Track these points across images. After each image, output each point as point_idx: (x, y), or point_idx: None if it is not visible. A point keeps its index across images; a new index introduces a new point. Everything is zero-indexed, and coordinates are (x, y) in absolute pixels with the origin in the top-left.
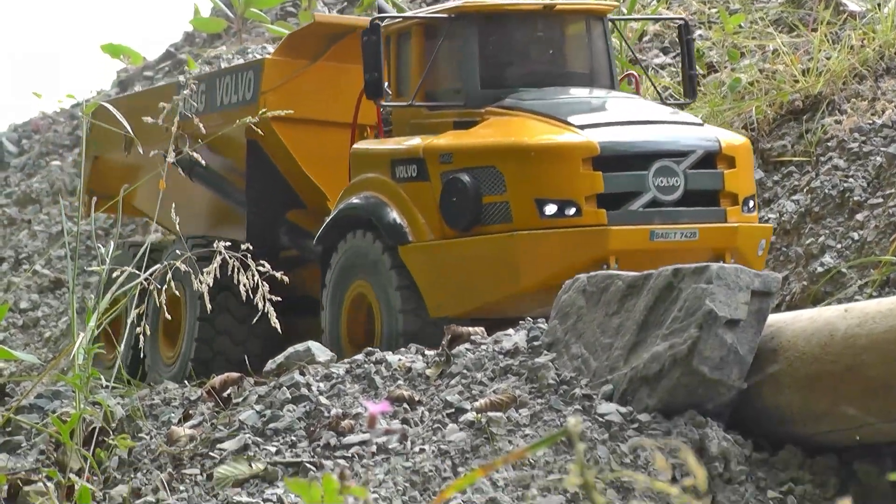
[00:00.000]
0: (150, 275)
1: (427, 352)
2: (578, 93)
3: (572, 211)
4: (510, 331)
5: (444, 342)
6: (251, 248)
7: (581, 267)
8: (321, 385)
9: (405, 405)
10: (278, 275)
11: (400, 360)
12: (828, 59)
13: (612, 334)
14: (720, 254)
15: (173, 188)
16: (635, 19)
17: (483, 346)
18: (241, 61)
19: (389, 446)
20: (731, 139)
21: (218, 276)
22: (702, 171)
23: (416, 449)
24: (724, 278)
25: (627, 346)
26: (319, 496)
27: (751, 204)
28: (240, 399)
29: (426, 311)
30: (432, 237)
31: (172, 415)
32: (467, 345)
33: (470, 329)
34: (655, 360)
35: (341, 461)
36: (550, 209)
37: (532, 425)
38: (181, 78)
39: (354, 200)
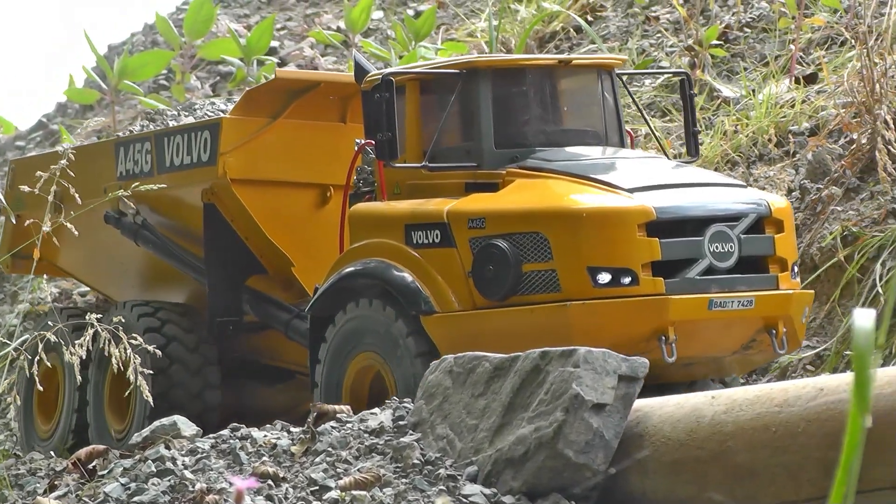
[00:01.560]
0: (22, 346)
1: (292, 428)
2: (597, 152)
3: (628, 280)
4: (376, 410)
5: (309, 419)
6: (218, 318)
7: (638, 339)
8: (186, 459)
9: (270, 482)
10: (150, 348)
11: (265, 436)
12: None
13: (478, 416)
14: (773, 323)
15: (113, 251)
16: (637, 74)
17: (349, 425)
18: (187, 118)
19: None
20: (778, 202)
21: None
22: (754, 235)
23: None
24: (592, 362)
25: (493, 427)
26: None
27: (795, 269)
28: (105, 471)
29: None
30: (460, 307)
31: (38, 485)
32: (333, 423)
33: (336, 407)
34: (521, 443)
35: None
36: (604, 278)
37: None
38: (118, 135)
39: (360, 266)
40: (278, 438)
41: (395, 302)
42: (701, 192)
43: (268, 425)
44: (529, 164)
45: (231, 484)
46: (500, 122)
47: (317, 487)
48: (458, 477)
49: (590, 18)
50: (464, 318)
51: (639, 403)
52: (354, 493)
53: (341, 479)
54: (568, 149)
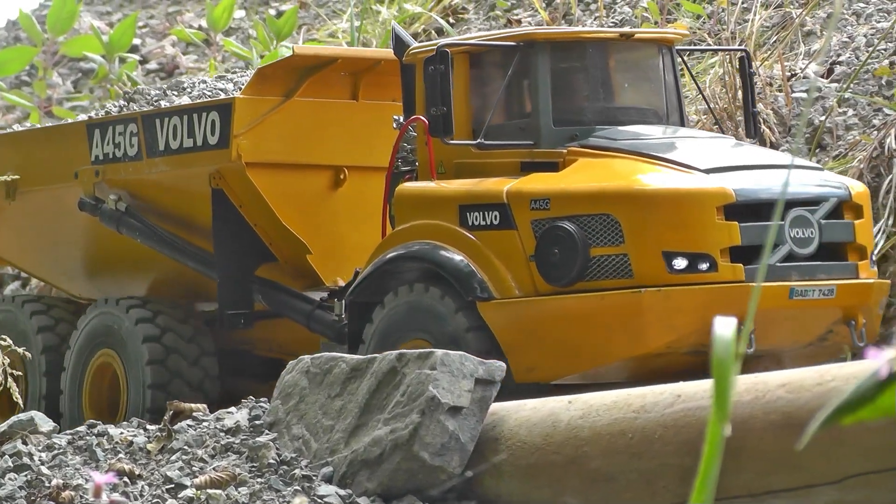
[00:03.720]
0: None
1: (149, 426)
2: (660, 131)
3: (706, 266)
4: (232, 409)
5: (165, 417)
6: (228, 310)
7: None
8: (43, 455)
9: (126, 479)
10: (20, 350)
11: (122, 433)
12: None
13: (334, 416)
14: (853, 313)
15: (71, 239)
16: (694, 50)
17: (205, 423)
18: (179, 98)
19: None
20: (857, 186)
21: None
22: (834, 221)
23: None
24: (449, 365)
25: (349, 428)
26: None
27: (873, 258)
28: None
29: (510, 374)
30: (520, 293)
31: None
32: (189, 421)
33: (192, 405)
34: (376, 444)
35: None
36: (681, 263)
37: None
38: (90, 115)
39: (410, 249)
40: (134, 436)
41: (448, 287)
42: (778, 175)
43: (124, 422)
44: (592, 143)
45: (87, 480)
46: (558, 99)
47: (172, 485)
48: (314, 477)
49: (451, 20)
50: (525, 305)
51: (495, 407)
52: (210, 491)
53: (197, 477)
54: (630, 127)
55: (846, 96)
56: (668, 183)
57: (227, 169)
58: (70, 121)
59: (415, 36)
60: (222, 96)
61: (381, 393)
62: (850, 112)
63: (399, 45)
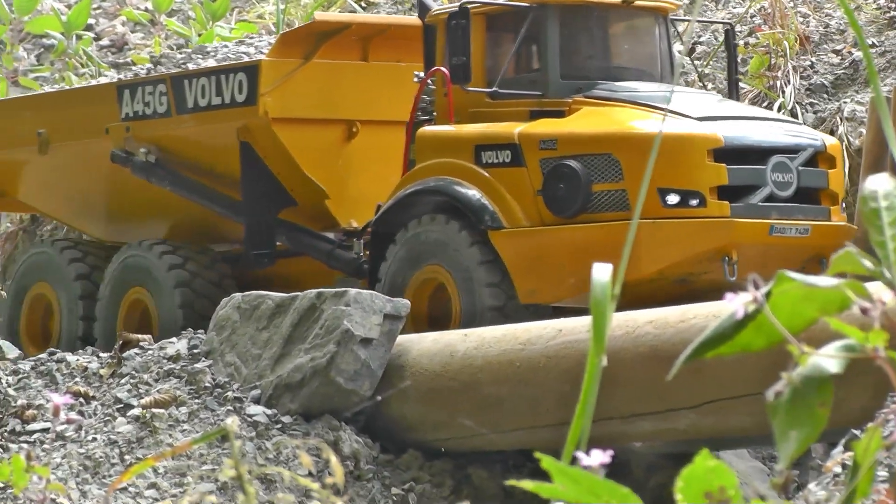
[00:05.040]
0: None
1: (101, 354)
2: (656, 87)
3: (696, 202)
4: (173, 339)
5: (116, 346)
6: (254, 251)
7: (703, 258)
8: (9, 379)
9: (81, 399)
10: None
11: (78, 360)
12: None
13: (262, 346)
14: (824, 252)
15: (99, 189)
16: (683, 20)
17: (150, 351)
18: (204, 62)
19: (66, 434)
20: (831, 140)
21: None
22: (811, 168)
23: (90, 438)
24: (361, 302)
25: (274, 357)
26: (8, 474)
27: (843, 205)
28: None
29: (513, 287)
30: (528, 223)
31: None
32: (137, 349)
33: (139, 336)
34: (298, 371)
35: (25, 445)
36: (673, 199)
37: (190, 422)
38: (119, 77)
39: (428, 184)
40: (89, 362)
41: (459, 215)
42: (763, 125)
43: (80, 350)
44: (595, 94)
45: (48, 401)
46: (565, 55)
47: (122, 405)
48: (244, 399)
49: (363, 5)
50: (532, 234)
51: (401, 339)
52: (154, 410)
53: (143, 398)
54: (628, 83)
55: (706, 72)
56: (664, 127)
57: (254, 124)
58: (95, 83)
59: None
60: (245, 59)
61: (303, 326)
62: (710, 86)
63: (422, 8)
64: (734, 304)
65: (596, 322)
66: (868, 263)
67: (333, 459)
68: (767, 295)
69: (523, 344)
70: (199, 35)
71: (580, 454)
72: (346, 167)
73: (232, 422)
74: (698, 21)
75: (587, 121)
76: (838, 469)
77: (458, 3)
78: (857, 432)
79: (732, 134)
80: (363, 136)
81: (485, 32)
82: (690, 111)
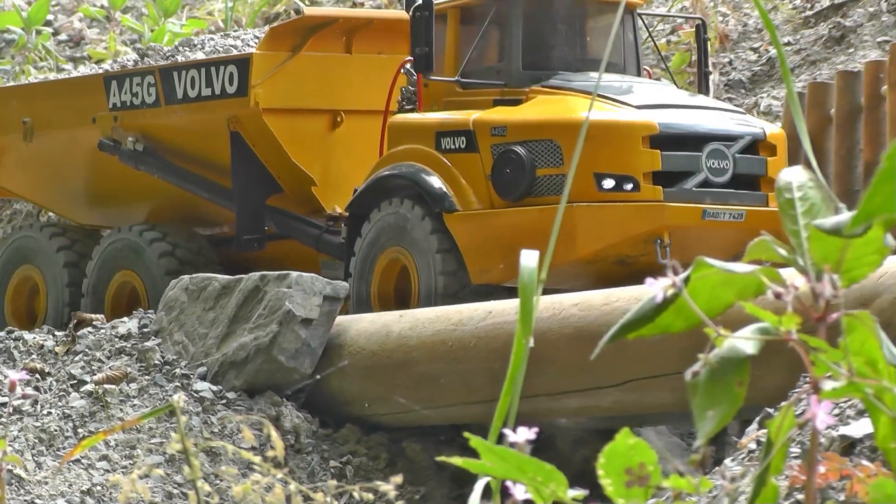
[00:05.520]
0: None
1: (56, 332)
2: (616, 78)
3: (630, 186)
4: (125, 318)
5: (70, 325)
6: (244, 236)
7: (636, 240)
8: None
9: (37, 375)
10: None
11: (34, 338)
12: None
13: (208, 326)
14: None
15: (82, 175)
16: (655, 16)
17: (102, 330)
18: (192, 54)
19: (23, 408)
20: (772, 129)
21: None
22: (748, 156)
23: (45, 412)
24: (302, 284)
25: (220, 336)
26: None
27: None
28: None
29: (467, 276)
30: (479, 206)
31: None
32: (90, 328)
33: (93, 315)
34: (242, 349)
35: None
36: (608, 183)
37: (140, 397)
38: (105, 68)
39: (394, 170)
40: (45, 340)
41: (422, 201)
42: (702, 113)
43: (36, 329)
44: (551, 84)
45: (5, 377)
46: (527, 47)
47: (75, 381)
48: (191, 376)
49: (307, 2)
50: (482, 217)
51: (339, 319)
52: (106, 386)
53: (95, 374)
54: (585, 73)
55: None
56: (602, 115)
57: (245, 114)
58: (78, 73)
59: (276, 16)
60: (233, 52)
61: (247, 307)
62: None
63: (409, 2)
64: (654, 289)
65: (523, 305)
66: (782, 251)
67: (274, 434)
68: (686, 280)
69: (455, 325)
70: (152, 31)
71: (507, 431)
72: (331, 155)
73: (178, 398)
74: (668, 16)
75: (536, 109)
76: (753, 445)
77: None
78: (770, 410)
79: (668, 121)
80: (347, 124)
81: (457, 26)
82: (632, 100)
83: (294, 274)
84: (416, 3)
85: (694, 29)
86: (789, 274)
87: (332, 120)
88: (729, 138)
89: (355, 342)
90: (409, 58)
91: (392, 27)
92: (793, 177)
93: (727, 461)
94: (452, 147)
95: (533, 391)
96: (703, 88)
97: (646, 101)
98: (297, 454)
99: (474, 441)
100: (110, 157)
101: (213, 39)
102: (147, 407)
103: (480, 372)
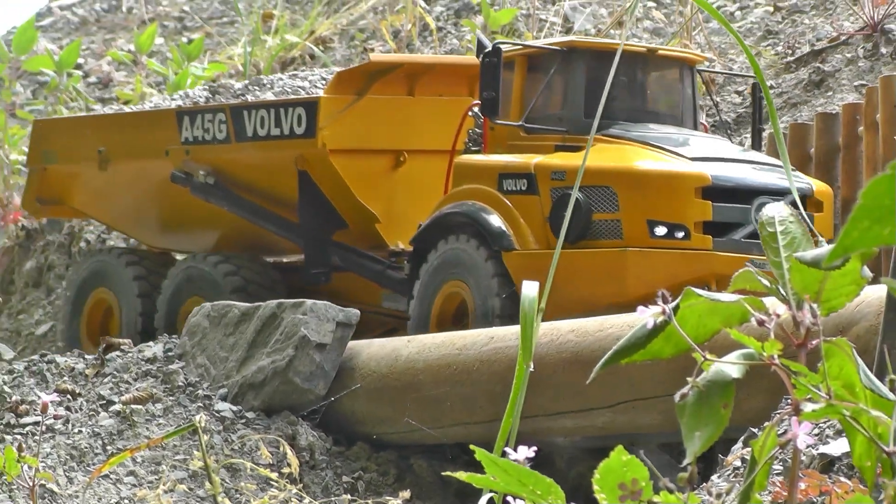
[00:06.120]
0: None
1: (87, 356)
2: (673, 130)
3: (681, 234)
4: (151, 343)
5: (99, 349)
6: (312, 270)
7: (684, 285)
8: (5, 377)
9: (68, 396)
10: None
11: (66, 360)
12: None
13: (229, 350)
14: None
15: (155, 203)
16: (714, 72)
17: (130, 354)
18: (261, 93)
19: (55, 427)
20: (821, 186)
21: None
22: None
23: (76, 430)
24: (316, 311)
25: (240, 359)
26: (2, 463)
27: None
28: None
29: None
30: (537, 247)
31: None
32: (118, 352)
33: (121, 340)
34: (261, 372)
35: (18, 437)
36: (661, 230)
37: (165, 417)
38: (177, 104)
39: (456, 207)
40: (76, 363)
41: (483, 239)
42: (754, 168)
43: (68, 353)
44: (611, 133)
45: (39, 397)
46: (590, 96)
47: (104, 401)
48: (212, 396)
49: (321, 48)
50: (538, 256)
51: (352, 344)
52: (133, 406)
53: (123, 395)
54: (645, 124)
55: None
56: (658, 166)
57: (313, 154)
58: (157, 108)
59: (291, 60)
60: (301, 93)
61: (265, 332)
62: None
63: (480, 48)
64: (645, 316)
65: (524, 332)
66: (765, 281)
67: (290, 452)
68: (676, 308)
69: (459, 349)
70: (176, 73)
71: (508, 449)
72: (394, 193)
73: (200, 418)
74: (725, 74)
75: (596, 157)
76: (738, 463)
77: (493, 43)
78: (755, 430)
79: (721, 174)
80: (410, 164)
81: (524, 73)
82: (687, 152)
83: (309, 302)
84: (486, 50)
85: (751, 88)
86: (772, 303)
87: (396, 159)
88: (778, 193)
89: (366, 365)
90: (477, 101)
91: (453, 72)
92: (775, 212)
93: (714, 477)
94: (514, 189)
95: (532, 411)
96: (755, 144)
97: (700, 153)
98: (311, 470)
99: (480, 454)
100: (180, 187)
101: (282, 79)
102: (171, 426)
103: (482, 394)
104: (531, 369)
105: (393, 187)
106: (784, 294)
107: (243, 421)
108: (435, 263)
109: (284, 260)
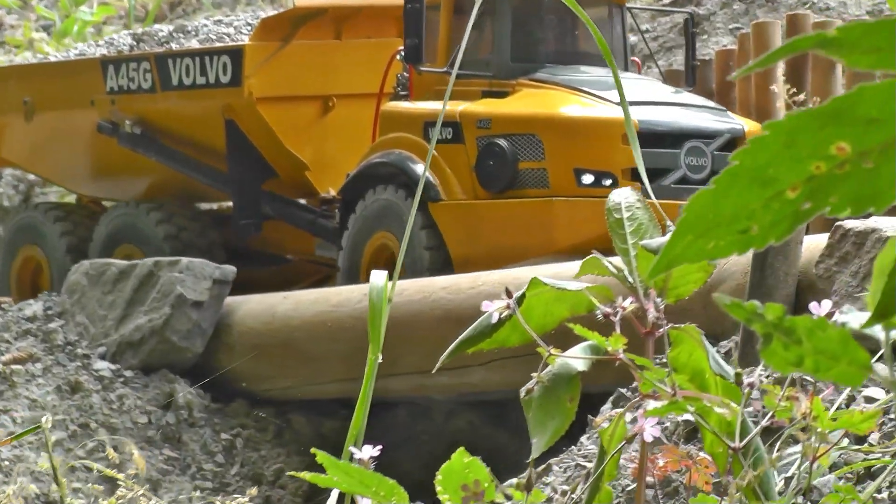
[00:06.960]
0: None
1: None
2: (600, 72)
3: (609, 182)
4: (31, 301)
5: None
6: (242, 220)
7: None
8: None
9: None
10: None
11: None
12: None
13: (107, 308)
14: None
15: (82, 152)
16: (646, 9)
17: (10, 312)
18: (185, 40)
19: None
20: (753, 126)
21: None
22: (727, 153)
23: None
24: (193, 269)
25: (118, 318)
26: None
27: None
28: None
29: (451, 265)
30: (463, 197)
31: None
32: None
33: (2, 298)
34: (138, 330)
35: None
36: (588, 179)
37: (44, 376)
38: (101, 53)
39: (383, 157)
40: None
41: (411, 189)
42: (682, 111)
43: None
44: (537, 77)
45: None
46: (516, 39)
47: None
48: (91, 355)
49: None
50: (465, 207)
51: (229, 300)
52: (13, 366)
53: (3, 355)
54: (571, 66)
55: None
56: (584, 111)
57: (239, 103)
58: (82, 56)
59: (180, 2)
60: (226, 39)
61: (142, 291)
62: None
63: None
64: (490, 310)
65: (373, 322)
66: (612, 267)
67: (136, 454)
68: (522, 298)
69: (334, 306)
70: (65, 18)
71: (353, 449)
72: (324, 139)
73: (47, 419)
74: (656, 9)
75: (521, 103)
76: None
77: None
78: (623, 390)
79: (649, 118)
80: (339, 109)
81: (445, 14)
82: (613, 96)
83: (185, 260)
84: None
85: (683, 23)
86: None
87: (324, 105)
88: (708, 135)
89: (243, 322)
90: (399, 48)
91: (381, 14)
92: (622, 197)
93: (583, 439)
94: (439, 138)
95: (406, 369)
96: (690, 81)
97: (630, 97)
98: (190, 428)
99: (321, 457)
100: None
101: (206, 26)
102: (51, 386)
103: (357, 351)
104: (380, 361)
105: (322, 134)
106: (631, 281)
107: (122, 380)
108: (363, 214)
109: (215, 207)
